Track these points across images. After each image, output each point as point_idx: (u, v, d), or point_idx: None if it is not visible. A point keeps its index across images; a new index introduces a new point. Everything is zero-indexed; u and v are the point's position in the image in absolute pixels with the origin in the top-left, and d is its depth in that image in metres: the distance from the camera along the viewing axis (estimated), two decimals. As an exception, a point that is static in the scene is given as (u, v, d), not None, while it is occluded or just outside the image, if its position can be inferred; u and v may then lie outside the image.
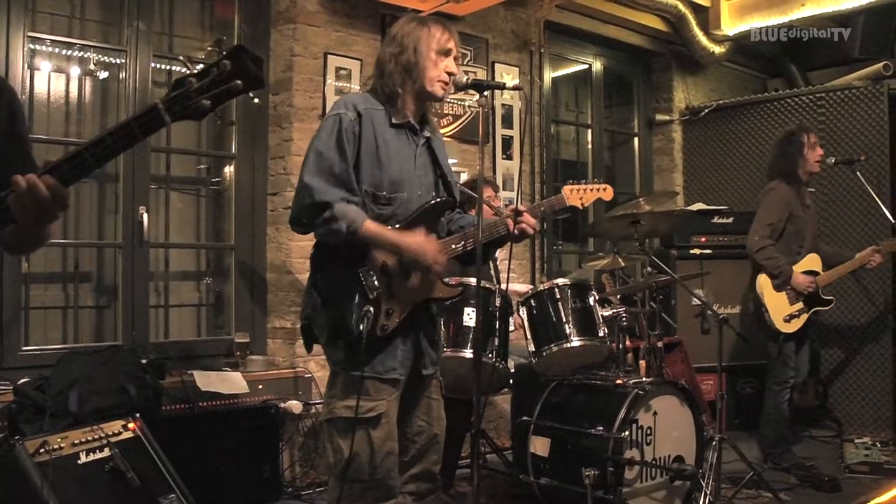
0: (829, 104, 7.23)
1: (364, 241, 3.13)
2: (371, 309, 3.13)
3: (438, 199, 3.39)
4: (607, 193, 3.79)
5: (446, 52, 3.36)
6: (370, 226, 3.12)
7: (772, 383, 5.82)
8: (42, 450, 3.41)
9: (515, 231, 3.43)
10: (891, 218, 5.93)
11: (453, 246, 3.38)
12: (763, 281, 5.76)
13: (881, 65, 7.11)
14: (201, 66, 1.85)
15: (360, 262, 3.17)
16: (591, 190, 3.75)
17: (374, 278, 3.17)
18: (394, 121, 3.31)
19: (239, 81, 1.81)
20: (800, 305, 5.73)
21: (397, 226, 3.24)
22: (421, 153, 3.41)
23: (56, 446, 3.47)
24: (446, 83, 3.37)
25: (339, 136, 3.17)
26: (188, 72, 1.83)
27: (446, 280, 3.46)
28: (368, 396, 3.18)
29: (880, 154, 6.82)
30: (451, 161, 5.97)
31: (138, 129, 1.82)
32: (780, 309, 5.72)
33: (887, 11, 7.19)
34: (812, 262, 5.83)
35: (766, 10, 7.60)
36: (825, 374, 7.02)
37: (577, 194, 3.73)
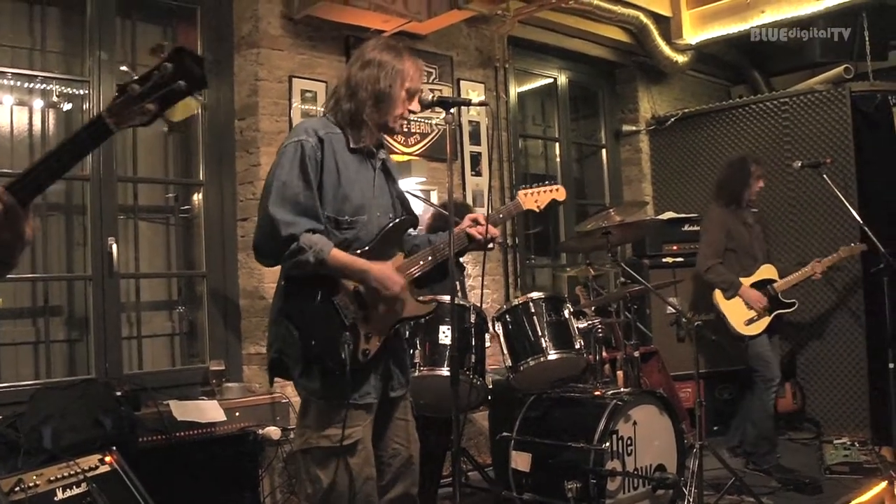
0: (793, 109, 7.30)
1: (331, 270, 3.11)
2: (350, 335, 3.11)
3: (399, 219, 3.41)
4: (560, 193, 3.83)
5: (415, 93, 3.37)
6: (337, 254, 3.11)
7: (759, 381, 5.95)
8: (17, 488, 3.36)
9: (479, 237, 3.47)
10: (858, 219, 5.99)
11: (420, 263, 3.39)
12: (718, 293, 6.04)
13: (842, 68, 7.21)
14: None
15: (333, 289, 3.16)
16: (545, 192, 3.79)
17: (351, 304, 3.15)
18: (352, 145, 3.30)
19: (182, 82, 1.81)
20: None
21: (361, 250, 3.24)
22: (378, 175, 3.42)
23: (32, 484, 3.41)
24: (405, 119, 3.40)
25: (303, 163, 3.15)
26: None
27: (420, 297, 3.46)
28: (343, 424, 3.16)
29: (845, 156, 6.88)
30: (420, 179, 6.06)
31: (88, 138, 1.83)
32: (738, 314, 5.97)
33: (847, 15, 7.26)
34: (767, 271, 6.10)
35: (727, 18, 7.68)
36: (801, 377, 7.06)
37: (532, 197, 3.78)
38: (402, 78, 3.31)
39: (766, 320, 5.93)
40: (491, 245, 3.53)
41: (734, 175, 6.19)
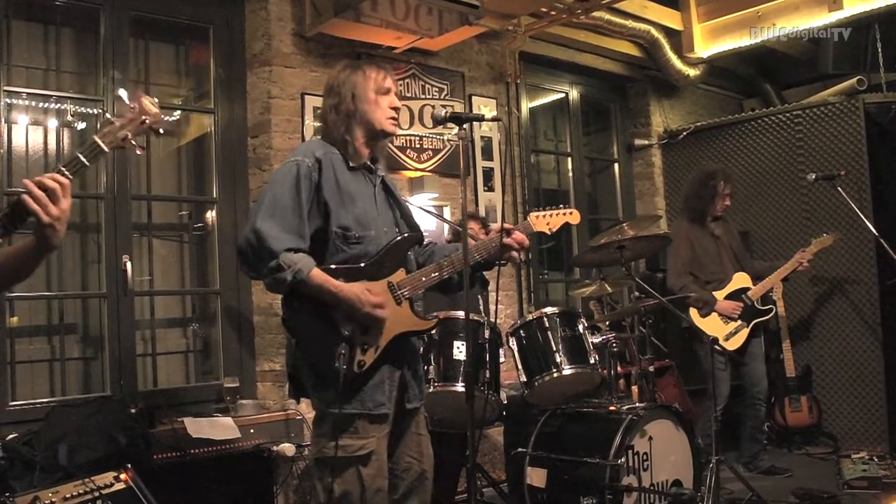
0: (806, 121, 7.29)
1: (309, 290, 3.12)
2: (346, 345, 3.12)
3: (405, 236, 3.41)
4: (574, 217, 3.77)
5: (386, 91, 3.42)
6: (316, 275, 3.12)
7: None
8: (33, 506, 3.38)
9: (510, 248, 3.50)
10: (874, 231, 5.97)
11: (433, 275, 3.38)
12: (692, 311, 6.04)
13: (855, 80, 7.17)
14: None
15: None
16: (558, 215, 3.74)
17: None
18: (350, 164, 3.34)
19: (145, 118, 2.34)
20: (736, 323, 5.98)
21: (362, 265, 3.25)
22: (379, 192, 3.46)
23: (48, 501, 3.43)
24: (394, 119, 3.43)
25: (297, 182, 3.19)
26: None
27: (421, 312, 3.45)
28: (357, 434, 3.18)
29: (859, 168, 6.86)
30: (433, 195, 6.07)
31: (86, 159, 2.24)
32: (716, 332, 5.89)
33: (858, 27, 7.25)
34: (741, 280, 6.12)
35: (738, 31, 7.66)
36: (818, 391, 7.01)
37: (544, 220, 3.72)
38: (363, 84, 3.37)
39: (745, 332, 5.97)
40: (505, 261, 3.54)
41: (699, 191, 6.21)
